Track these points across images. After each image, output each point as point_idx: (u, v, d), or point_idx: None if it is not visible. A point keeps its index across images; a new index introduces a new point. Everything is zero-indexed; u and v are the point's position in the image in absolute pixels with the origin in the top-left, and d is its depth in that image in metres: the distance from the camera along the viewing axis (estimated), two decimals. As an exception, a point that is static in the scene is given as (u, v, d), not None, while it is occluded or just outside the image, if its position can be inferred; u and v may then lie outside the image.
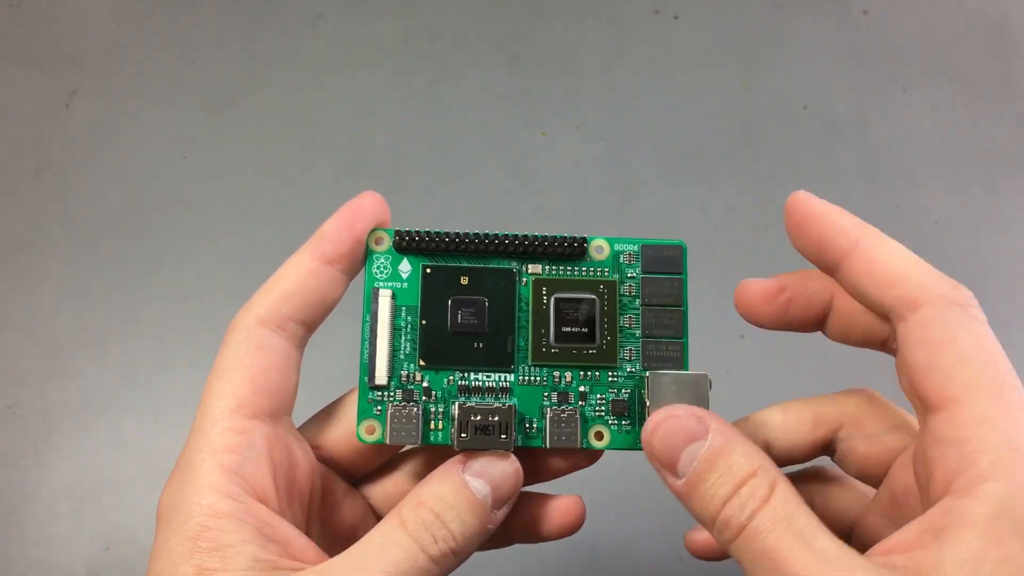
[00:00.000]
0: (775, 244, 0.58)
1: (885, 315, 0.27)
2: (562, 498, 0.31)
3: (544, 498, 0.31)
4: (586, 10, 0.63)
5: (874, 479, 0.30)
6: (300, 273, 0.29)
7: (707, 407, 0.28)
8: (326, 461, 0.31)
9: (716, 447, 0.25)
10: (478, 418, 0.28)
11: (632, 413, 0.30)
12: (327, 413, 0.31)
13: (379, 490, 0.33)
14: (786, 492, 0.24)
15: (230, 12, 0.63)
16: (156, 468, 0.51)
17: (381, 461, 0.32)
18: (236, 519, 0.25)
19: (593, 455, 0.31)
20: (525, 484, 0.30)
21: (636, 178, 0.59)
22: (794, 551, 0.23)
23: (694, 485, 0.25)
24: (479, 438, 0.28)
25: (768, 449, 0.31)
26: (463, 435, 0.28)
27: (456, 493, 0.27)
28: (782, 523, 0.24)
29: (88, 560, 0.50)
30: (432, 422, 0.30)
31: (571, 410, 0.29)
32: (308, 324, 0.29)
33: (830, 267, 0.29)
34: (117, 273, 0.56)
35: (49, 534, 0.50)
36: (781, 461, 0.31)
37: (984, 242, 0.57)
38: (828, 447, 0.31)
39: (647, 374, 0.29)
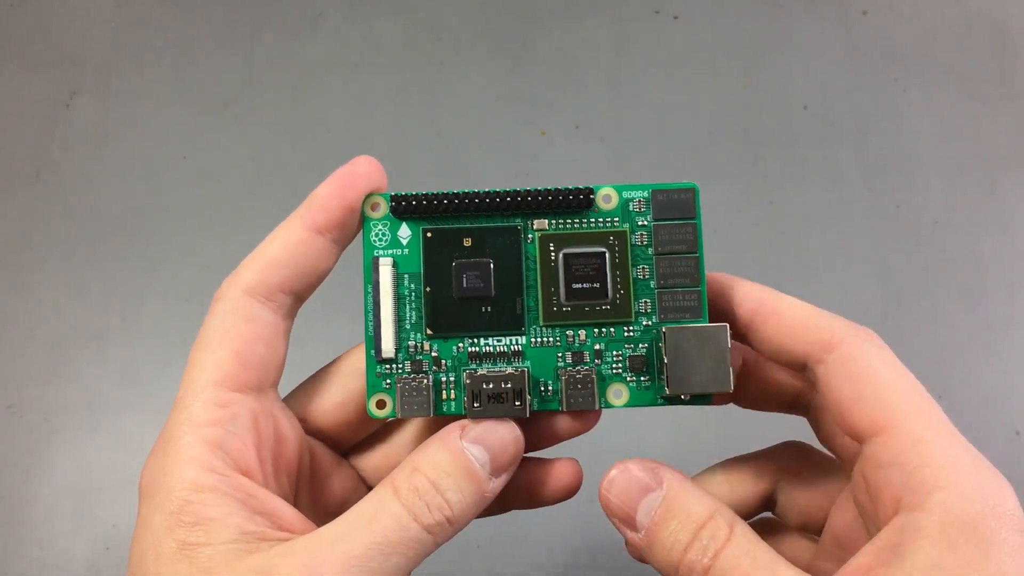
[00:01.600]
0: (775, 244, 0.58)
1: (800, 364, 0.28)
2: (559, 462, 0.30)
3: (540, 462, 0.31)
4: (586, 10, 0.63)
5: (815, 526, 0.31)
6: (290, 242, 0.28)
7: (727, 360, 0.27)
8: (313, 432, 0.30)
9: (672, 495, 0.26)
10: (490, 386, 0.27)
11: (650, 368, 0.29)
12: (313, 383, 0.31)
13: (369, 461, 0.32)
14: (745, 530, 0.25)
15: (230, 12, 0.63)
16: (156, 468, 0.51)
17: (370, 430, 0.32)
18: (220, 492, 0.25)
19: (599, 415, 0.30)
20: (533, 449, 0.30)
21: (636, 178, 0.59)
22: None
23: (654, 535, 0.25)
24: (492, 406, 0.27)
25: None
26: (476, 404, 0.27)
27: (453, 460, 0.26)
28: (746, 559, 0.24)
29: (88, 560, 0.49)
30: (444, 392, 0.28)
31: (587, 370, 0.28)
32: (298, 294, 0.29)
33: (741, 328, 0.29)
34: (117, 273, 0.56)
35: (49, 534, 0.50)
36: None
37: (984, 242, 0.57)
38: (769, 501, 0.32)
39: (664, 329, 0.28)
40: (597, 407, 0.29)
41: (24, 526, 0.50)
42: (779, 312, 0.28)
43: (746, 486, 0.31)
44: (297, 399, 0.30)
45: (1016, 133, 0.60)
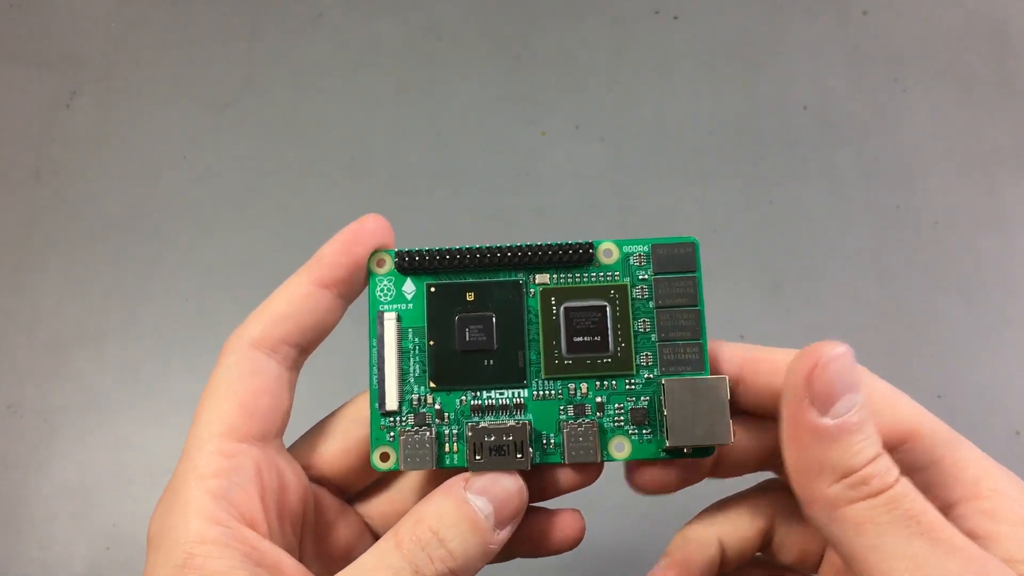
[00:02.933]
0: (775, 244, 0.58)
1: None
2: (562, 512, 0.31)
3: (544, 512, 0.31)
4: (586, 10, 0.63)
5: (811, 564, 0.31)
6: (295, 296, 0.29)
7: (727, 412, 0.27)
8: (318, 480, 0.31)
9: (868, 410, 0.25)
10: (492, 438, 0.27)
11: (652, 421, 0.29)
12: (318, 431, 0.31)
13: (375, 508, 0.32)
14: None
15: (230, 12, 0.63)
16: (156, 468, 0.51)
17: (376, 477, 0.32)
18: (223, 545, 0.25)
19: (601, 468, 0.30)
20: (534, 500, 0.30)
21: (636, 178, 0.59)
22: (941, 519, 0.24)
23: (846, 431, 0.24)
24: (494, 459, 0.27)
25: (722, 547, 0.31)
26: (477, 457, 0.27)
27: (457, 511, 0.26)
28: (921, 496, 0.24)
29: (88, 560, 0.49)
30: (447, 445, 0.29)
31: (589, 423, 0.29)
32: (303, 347, 0.29)
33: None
34: (117, 273, 0.56)
35: (49, 534, 0.50)
36: (733, 560, 0.31)
37: (984, 242, 0.57)
38: (766, 538, 0.31)
39: (663, 381, 0.28)
40: (599, 460, 0.29)
41: (24, 526, 0.50)
42: (767, 358, 0.29)
43: (746, 524, 0.31)
44: (302, 447, 0.31)
45: (1016, 133, 0.60)
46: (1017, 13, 0.63)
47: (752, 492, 0.32)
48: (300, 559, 0.28)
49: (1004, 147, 0.60)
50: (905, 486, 0.24)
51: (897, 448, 0.27)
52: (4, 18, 0.62)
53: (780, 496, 0.31)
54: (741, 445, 0.30)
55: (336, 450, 0.30)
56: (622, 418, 0.29)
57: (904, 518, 0.23)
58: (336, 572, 0.26)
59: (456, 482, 0.27)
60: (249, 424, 0.27)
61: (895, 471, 0.24)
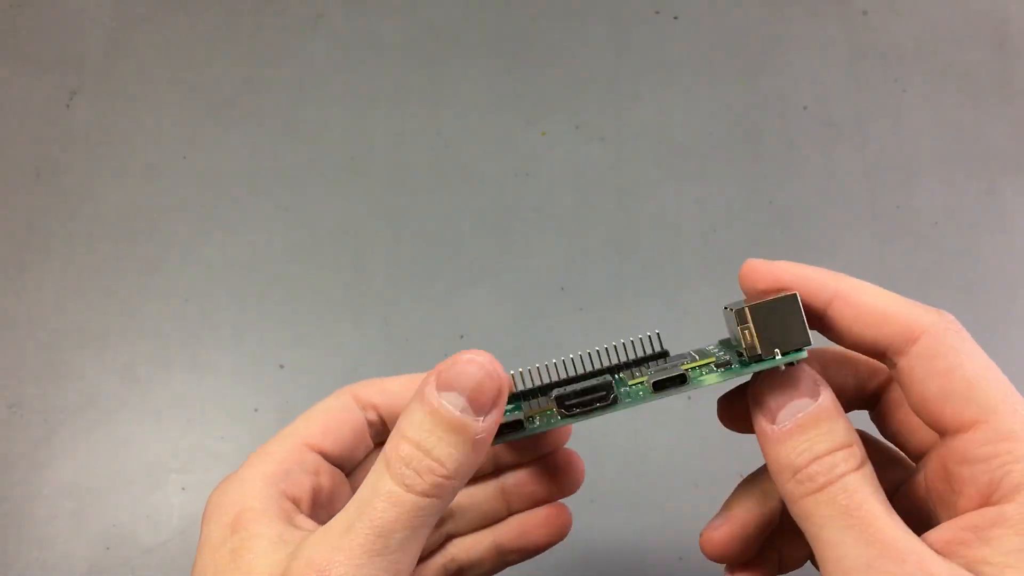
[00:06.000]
0: (775, 245, 0.58)
1: (879, 354, 0.28)
2: (544, 507, 0.33)
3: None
4: (586, 10, 0.63)
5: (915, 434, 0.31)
6: (406, 393, 0.31)
7: (803, 318, 0.27)
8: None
9: (827, 408, 0.26)
10: (579, 386, 0.28)
11: (732, 359, 0.29)
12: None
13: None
14: (872, 472, 0.26)
15: (230, 12, 0.63)
16: (156, 468, 0.51)
17: None
18: (268, 510, 0.27)
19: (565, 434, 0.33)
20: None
21: (636, 178, 0.59)
22: (882, 515, 0.24)
23: (791, 434, 0.26)
24: (583, 400, 0.28)
25: None
26: (568, 403, 0.28)
27: (432, 417, 0.26)
28: (869, 488, 0.25)
29: (88, 560, 0.49)
30: (532, 420, 0.29)
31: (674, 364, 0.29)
32: (390, 421, 0.32)
33: (810, 320, 0.29)
34: (117, 273, 0.56)
35: (49, 534, 0.50)
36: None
37: (984, 242, 0.57)
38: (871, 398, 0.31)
39: (745, 307, 0.27)
40: (682, 373, 0.28)
41: (24, 526, 0.50)
42: (856, 302, 0.28)
43: None
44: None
45: (1016, 133, 0.60)
46: (1017, 13, 0.63)
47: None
48: None
49: (1004, 147, 0.60)
50: (851, 480, 0.25)
51: (955, 435, 0.26)
52: (4, 18, 0.62)
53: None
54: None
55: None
56: (707, 368, 0.29)
57: (840, 512, 0.25)
58: None
59: (427, 382, 0.26)
60: (326, 442, 0.30)
61: (847, 464, 0.25)
